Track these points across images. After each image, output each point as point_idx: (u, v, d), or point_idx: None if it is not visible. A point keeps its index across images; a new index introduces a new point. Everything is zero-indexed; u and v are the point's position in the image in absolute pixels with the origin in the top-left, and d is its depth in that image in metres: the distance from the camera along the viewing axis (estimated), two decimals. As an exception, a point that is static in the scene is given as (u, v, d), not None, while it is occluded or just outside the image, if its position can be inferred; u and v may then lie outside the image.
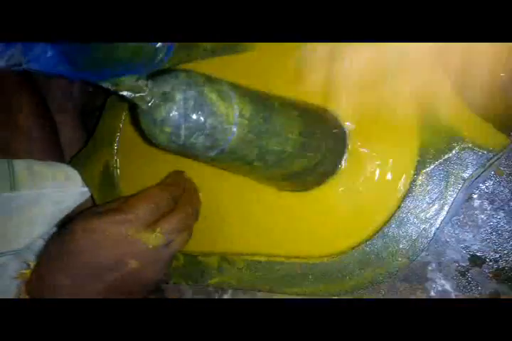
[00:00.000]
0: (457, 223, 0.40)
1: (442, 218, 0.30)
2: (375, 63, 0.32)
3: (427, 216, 0.31)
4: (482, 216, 0.40)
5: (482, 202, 0.40)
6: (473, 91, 0.33)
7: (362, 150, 0.33)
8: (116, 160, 0.43)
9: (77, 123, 0.58)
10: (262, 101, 0.25)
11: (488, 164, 0.31)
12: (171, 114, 0.21)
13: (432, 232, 0.31)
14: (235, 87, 0.24)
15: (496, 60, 0.34)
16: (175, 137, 0.22)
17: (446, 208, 0.30)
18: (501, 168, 0.39)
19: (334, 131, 0.32)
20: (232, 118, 0.23)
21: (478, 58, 0.34)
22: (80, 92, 0.60)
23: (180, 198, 0.36)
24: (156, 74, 0.22)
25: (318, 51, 0.35)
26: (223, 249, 0.37)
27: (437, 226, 0.31)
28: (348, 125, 0.33)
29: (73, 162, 0.46)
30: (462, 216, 0.40)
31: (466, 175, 0.30)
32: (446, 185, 0.30)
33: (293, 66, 0.36)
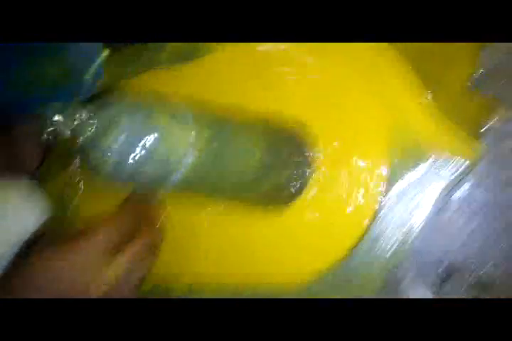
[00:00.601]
0: (435, 231, 0.40)
1: (416, 234, 0.29)
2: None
3: (401, 234, 0.29)
4: (458, 224, 0.40)
5: (459, 209, 0.39)
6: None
7: (329, 169, 0.31)
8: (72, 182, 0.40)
9: (35, 139, 0.55)
10: (221, 123, 0.24)
11: (464, 173, 0.30)
12: (118, 141, 0.19)
13: (405, 253, 0.30)
14: (191, 107, 0.22)
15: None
16: (123, 166, 0.20)
17: (415, 228, 0.29)
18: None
19: (301, 146, 0.31)
20: (186, 143, 0.21)
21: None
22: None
23: (142, 223, 0.34)
24: (98, 96, 0.20)
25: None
26: (191, 278, 0.36)
27: (409, 246, 0.29)
28: (316, 138, 0.32)
29: (32, 183, 0.44)
30: (439, 225, 0.40)
31: (438, 189, 0.29)
32: (421, 198, 0.29)
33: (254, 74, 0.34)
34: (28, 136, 0.55)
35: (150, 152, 0.20)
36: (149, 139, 0.19)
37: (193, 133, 0.21)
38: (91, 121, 0.19)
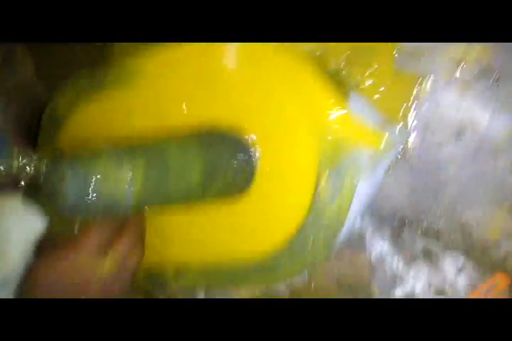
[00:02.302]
0: (384, 192, 0.44)
1: (347, 208, 0.34)
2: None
3: (334, 210, 0.35)
4: (403, 183, 0.43)
5: (402, 170, 0.43)
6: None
7: (270, 158, 0.36)
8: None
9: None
10: (156, 151, 0.28)
11: (379, 157, 0.34)
12: (65, 202, 0.24)
13: (342, 221, 0.35)
14: (122, 149, 0.27)
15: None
16: (76, 210, 0.25)
17: (347, 200, 0.34)
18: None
19: (240, 146, 0.35)
20: (126, 179, 0.26)
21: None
22: (17, 122, 0.59)
23: (126, 220, 0.37)
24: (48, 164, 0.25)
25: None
26: (175, 260, 0.41)
27: (345, 215, 0.35)
28: (254, 138, 0.36)
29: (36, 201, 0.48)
30: (386, 185, 0.44)
31: (358, 173, 0.34)
32: (343, 183, 0.34)
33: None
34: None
35: (96, 198, 0.25)
36: (92, 188, 0.24)
37: (128, 170, 0.25)
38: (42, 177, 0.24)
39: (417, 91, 0.40)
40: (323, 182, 0.34)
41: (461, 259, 0.42)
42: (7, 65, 0.59)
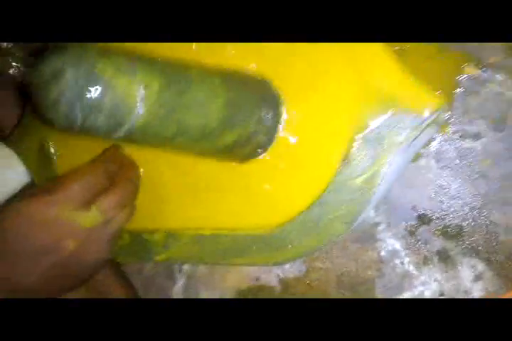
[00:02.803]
0: (404, 183, 0.41)
1: (378, 182, 0.30)
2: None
3: (363, 182, 0.30)
4: (429, 175, 0.40)
5: (428, 160, 0.40)
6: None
7: (297, 118, 0.32)
8: (51, 136, 0.41)
9: (14, 100, 0.54)
10: (176, 72, 0.23)
11: (423, 125, 0.30)
12: (63, 93, 0.19)
13: (370, 197, 0.31)
14: (140, 58, 0.22)
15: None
16: (71, 119, 0.20)
17: (381, 173, 0.30)
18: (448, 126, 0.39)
19: (267, 98, 0.31)
20: (135, 93, 0.21)
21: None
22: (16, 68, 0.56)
23: (117, 174, 0.34)
24: (47, 49, 0.20)
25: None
26: (167, 225, 0.37)
27: (374, 190, 0.30)
28: (282, 92, 0.32)
29: (8, 140, 0.44)
30: (409, 175, 0.40)
31: (400, 139, 0.29)
32: (380, 149, 0.30)
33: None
34: (10, 98, 0.55)
35: (95, 106, 0.20)
36: (93, 93, 0.20)
37: (140, 86, 0.21)
38: (35, 73, 0.19)
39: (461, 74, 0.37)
40: (355, 146, 0.30)
41: (481, 265, 0.39)
42: None
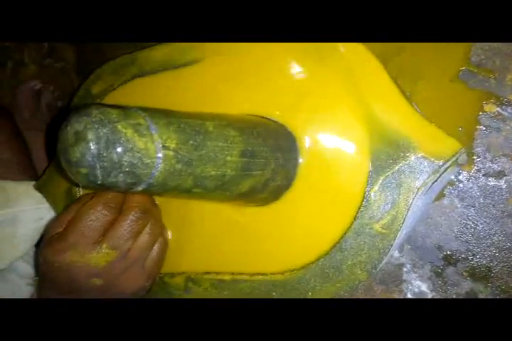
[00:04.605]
0: (429, 223, 0.40)
1: (398, 228, 0.30)
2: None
3: (383, 227, 0.30)
4: (453, 214, 0.40)
5: (452, 200, 0.39)
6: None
7: (314, 162, 0.32)
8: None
9: (46, 140, 0.57)
10: (192, 127, 0.24)
11: (441, 170, 0.30)
12: (85, 155, 0.21)
13: (390, 243, 0.30)
14: (158, 116, 0.23)
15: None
16: (92, 178, 0.21)
17: (400, 218, 0.29)
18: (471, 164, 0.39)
19: (282, 144, 0.31)
20: (153, 152, 0.22)
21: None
22: (48, 109, 0.59)
23: (123, 202, 0.33)
24: (74, 110, 0.22)
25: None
26: (188, 269, 0.37)
27: (395, 236, 0.30)
28: (297, 136, 0.33)
29: (40, 181, 0.46)
30: (433, 215, 0.40)
31: (418, 184, 0.29)
32: (399, 194, 0.29)
33: (243, 77, 0.35)
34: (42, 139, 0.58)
35: (114, 166, 0.21)
36: (113, 154, 0.21)
37: (157, 144, 0.22)
38: (59, 137, 0.21)
39: (481, 112, 0.37)
40: (374, 192, 0.30)
41: (513, 309, 0.38)
42: (50, 53, 0.61)
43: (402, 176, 0.30)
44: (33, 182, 0.48)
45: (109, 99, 0.39)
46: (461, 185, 0.39)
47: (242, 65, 0.35)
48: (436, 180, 0.30)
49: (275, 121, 0.33)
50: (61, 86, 0.59)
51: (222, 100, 0.35)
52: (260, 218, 0.34)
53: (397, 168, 0.29)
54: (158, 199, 0.36)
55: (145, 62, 0.40)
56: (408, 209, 0.29)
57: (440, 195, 0.39)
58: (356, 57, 0.30)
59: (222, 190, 0.28)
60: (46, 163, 0.54)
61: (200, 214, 0.36)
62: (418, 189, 0.29)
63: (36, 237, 0.46)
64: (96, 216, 0.32)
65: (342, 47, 0.31)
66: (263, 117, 0.33)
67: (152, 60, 0.39)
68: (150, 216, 0.33)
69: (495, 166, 0.38)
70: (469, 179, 0.39)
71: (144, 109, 0.23)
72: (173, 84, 0.38)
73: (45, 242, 0.34)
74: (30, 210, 0.46)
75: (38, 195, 0.47)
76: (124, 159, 0.21)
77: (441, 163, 0.29)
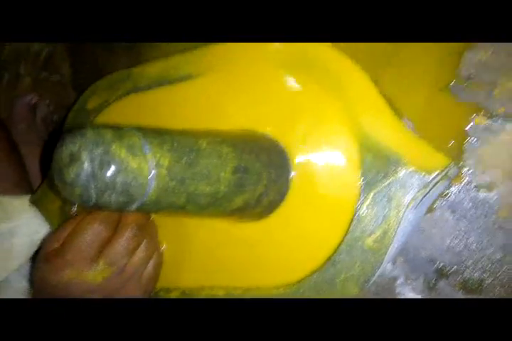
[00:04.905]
0: (421, 235, 0.40)
1: (390, 242, 0.30)
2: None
3: (374, 241, 0.30)
4: (445, 226, 0.40)
5: (444, 212, 0.40)
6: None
7: (305, 176, 0.33)
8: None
9: (42, 155, 0.57)
10: (185, 145, 0.25)
11: (431, 184, 0.30)
12: (79, 175, 0.21)
13: (382, 257, 0.31)
14: (152, 135, 0.24)
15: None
16: (86, 198, 0.21)
17: (392, 232, 0.30)
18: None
19: (275, 159, 0.32)
20: (146, 172, 0.22)
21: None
22: (43, 123, 0.59)
23: (120, 219, 0.34)
24: (69, 131, 0.22)
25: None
26: (183, 284, 0.37)
27: (386, 250, 0.30)
28: (291, 153, 0.33)
29: (32, 199, 0.46)
30: (425, 227, 0.40)
31: (408, 198, 0.30)
32: (390, 209, 0.30)
33: (237, 92, 0.36)
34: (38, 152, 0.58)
35: (108, 186, 0.21)
36: (107, 174, 0.21)
37: (151, 163, 0.22)
38: (55, 157, 0.21)
39: (471, 124, 0.38)
40: (365, 206, 0.30)
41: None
42: (46, 67, 0.61)
43: (393, 191, 0.30)
44: (29, 197, 0.48)
45: (104, 115, 0.39)
46: (452, 197, 0.39)
47: (236, 80, 0.36)
48: (426, 194, 0.31)
49: (268, 137, 0.33)
50: (57, 99, 0.60)
51: (216, 116, 0.36)
52: (254, 233, 0.34)
53: (387, 182, 0.30)
54: (153, 215, 0.36)
55: (140, 77, 0.40)
56: (399, 224, 0.30)
57: (432, 208, 0.39)
58: (347, 75, 0.31)
59: (216, 206, 0.28)
60: (41, 176, 0.54)
61: (195, 230, 0.36)
62: (409, 203, 0.30)
63: (32, 251, 0.46)
64: (93, 233, 0.32)
65: (333, 64, 0.32)
66: (256, 132, 0.33)
67: (147, 75, 0.40)
68: (145, 233, 0.34)
69: (485, 178, 0.38)
70: (460, 191, 0.39)
71: (138, 129, 0.23)
72: (167, 99, 0.38)
73: (42, 258, 0.34)
74: (26, 224, 0.47)
75: (33, 210, 0.47)
76: (118, 179, 0.21)
77: (430, 178, 0.29)
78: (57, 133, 0.56)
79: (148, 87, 0.39)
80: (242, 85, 0.36)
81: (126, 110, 0.39)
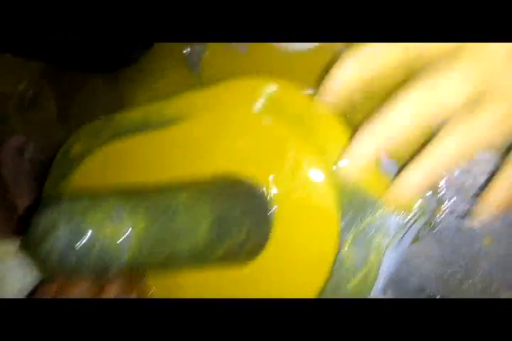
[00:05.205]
0: (408, 265, 0.40)
1: (372, 284, 0.30)
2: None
3: (357, 284, 0.31)
4: (432, 255, 0.40)
5: (428, 241, 0.40)
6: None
7: (287, 221, 0.33)
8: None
9: (30, 181, 0.58)
10: (161, 206, 0.25)
11: (409, 223, 0.31)
12: (54, 248, 0.21)
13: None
14: (126, 199, 0.24)
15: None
16: (63, 267, 0.22)
17: (373, 274, 0.30)
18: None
19: (255, 203, 0.32)
20: (122, 237, 0.23)
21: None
22: (30, 164, 0.60)
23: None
24: (44, 204, 0.23)
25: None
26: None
27: (369, 292, 0.30)
28: (271, 197, 0.34)
29: (22, 244, 0.46)
30: (412, 258, 0.40)
31: (387, 239, 0.30)
32: (370, 251, 0.30)
33: (217, 136, 0.37)
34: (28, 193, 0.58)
35: (84, 254, 0.22)
36: (83, 244, 0.22)
37: (127, 228, 0.23)
38: (30, 230, 0.22)
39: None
40: (346, 248, 0.31)
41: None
42: (32, 107, 0.62)
43: (372, 232, 0.31)
44: (17, 241, 0.48)
45: (86, 164, 0.40)
46: (436, 228, 0.39)
47: (219, 124, 0.36)
48: (406, 232, 0.31)
49: (249, 179, 0.34)
50: (43, 139, 0.60)
51: (199, 159, 0.36)
52: (239, 279, 0.35)
53: (365, 224, 0.30)
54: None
55: (122, 123, 0.41)
56: (380, 265, 0.30)
57: (416, 239, 0.39)
58: (323, 123, 0.32)
59: (197, 259, 0.29)
60: (25, 201, 0.54)
61: (185, 278, 0.36)
62: (388, 243, 0.30)
63: (22, 295, 0.46)
64: (81, 289, 0.32)
65: (310, 112, 0.33)
66: (236, 175, 0.34)
67: (128, 121, 0.41)
68: (134, 286, 0.34)
69: (467, 207, 0.39)
70: (443, 221, 0.39)
71: (112, 194, 0.24)
72: (149, 145, 0.39)
73: None
74: (16, 269, 0.47)
75: (22, 254, 0.47)
76: (94, 247, 0.22)
77: (408, 217, 0.30)
78: (43, 177, 0.56)
79: (131, 133, 0.40)
80: (224, 129, 0.36)
81: (109, 157, 0.40)
